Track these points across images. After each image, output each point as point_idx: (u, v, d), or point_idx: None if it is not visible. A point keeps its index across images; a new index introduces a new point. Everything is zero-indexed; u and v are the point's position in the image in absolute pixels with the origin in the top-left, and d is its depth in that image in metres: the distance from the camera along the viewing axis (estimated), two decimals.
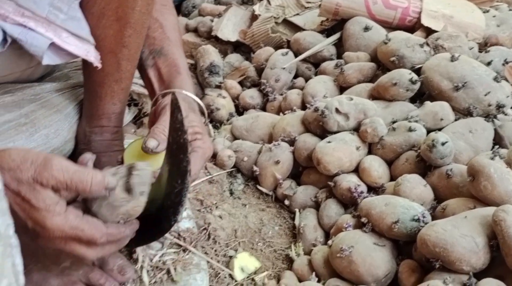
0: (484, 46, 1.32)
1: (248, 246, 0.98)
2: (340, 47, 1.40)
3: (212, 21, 1.66)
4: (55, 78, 0.95)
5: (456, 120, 1.06)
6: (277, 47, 1.49)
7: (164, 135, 0.71)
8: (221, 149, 1.17)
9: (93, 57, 0.75)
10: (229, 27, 1.59)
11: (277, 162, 1.09)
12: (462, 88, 1.06)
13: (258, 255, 0.96)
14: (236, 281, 0.88)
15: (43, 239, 0.58)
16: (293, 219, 1.06)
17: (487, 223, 0.77)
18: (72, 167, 0.57)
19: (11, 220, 0.33)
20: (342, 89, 1.27)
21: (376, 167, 1.00)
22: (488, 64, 1.18)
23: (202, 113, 0.84)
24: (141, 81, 1.03)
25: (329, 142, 1.03)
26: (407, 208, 0.85)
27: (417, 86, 1.09)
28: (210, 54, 1.45)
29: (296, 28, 1.53)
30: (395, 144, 1.02)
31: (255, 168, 1.12)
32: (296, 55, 1.40)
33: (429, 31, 1.30)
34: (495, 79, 1.07)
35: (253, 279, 0.90)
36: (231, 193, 1.12)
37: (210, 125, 1.33)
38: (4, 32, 0.69)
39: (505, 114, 1.07)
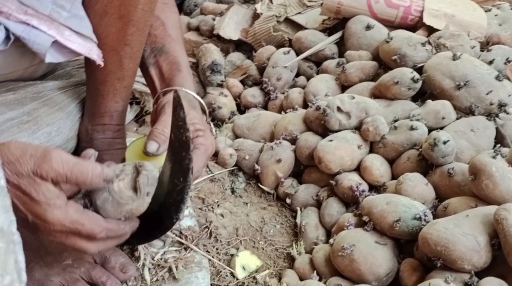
0: (486, 45, 1.32)
1: (250, 245, 0.98)
2: (342, 45, 1.40)
3: (214, 19, 1.66)
4: (57, 76, 0.95)
5: (457, 119, 1.06)
6: (279, 45, 1.49)
7: (164, 136, 0.71)
8: (222, 148, 1.17)
9: (96, 55, 0.75)
10: (231, 25, 1.60)
11: (279, 161, 1.09)
12: (464, 87, 1.06)
13: (259, 253, 0.96)
14: (237, 279, 0.89)
15: (43, 232, 0.58)
16: (294, 217, 1.06)
17: (489, 222, 0.77)
18: (72, 159, 0.57)
19: (14, 216, 0.33)
20: (343, 87, 1.27)
21: (378, 166, 1.00)
22: (490, 63, 1.18)
23: (204, 112, 0.84)
24: (143, 80, 1.04)
25: (330, 140, 1.03)
26: (408, 207, 0.85)
27: (418, 85, 1.09)
28: (212, 52, 1.45)
29: (298, 26, 1.53)
30: (397, 143, 1.01)
31: (256, 166, 1.12)
32: (297, 54, 1.40)
33: (431, 30, 1.30)
34: (497, 78, 1.07)
35: (254, 278, 0.90)
36: (233, 192, 1.12)
37: (211, 124, 1.33)
38: (7, 30, 0.69)
39: (507, 113, 1.07)
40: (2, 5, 0.68)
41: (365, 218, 0.89)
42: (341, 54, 1.38)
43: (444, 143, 0.91)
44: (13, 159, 0.55)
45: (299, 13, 1.55)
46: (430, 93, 1.13)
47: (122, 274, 0.74)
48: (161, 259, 0.81)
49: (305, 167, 1.12)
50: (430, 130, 1.01)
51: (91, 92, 0.84)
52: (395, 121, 1.07)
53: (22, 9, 0.69)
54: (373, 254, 0.84)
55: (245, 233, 1.00)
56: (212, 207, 1.02)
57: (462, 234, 0.75)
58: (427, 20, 1.31)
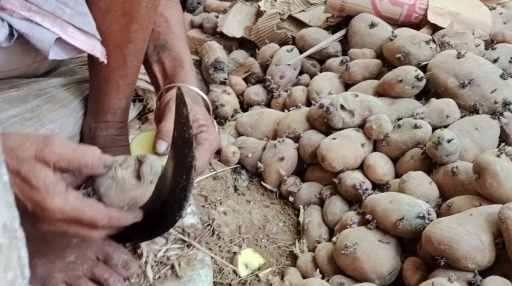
0: (490, 43, 1.31)
1: (252, 243, 0.98)
2: (346, 43, 1.40)
3: (217, 17, 1.66)
4: (60, 73, 0.95)
5: (462, 117, 1.05)
6: (282, 43, 1.49)
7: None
8: (225, 146, 1.17)
9: (99, 52, 0.75)
10: (234, 23, 1.59)
11: (282, 159, 1.09)
12: (468, 85, 1.05)
13: (262, 251, 0.96)
14: (240, 277, 0.88)
15: (44, 222, 0.57)
16: (297, 215, 1.06)
17: (493, 220, 0.76)
18: (72, 144, 0.57)
19: (17, 212, 0.33)
20: (347, 86, 1.27)
21: (381, 164, 1.00)
22: (495, 61, 1.17)
23: (208, 109, 0.84)
24: (146, 77, 1.04)
25: (334, 139, 1.03)
26: (412, 206, 0.85)
27: (422, 83, 1.09)
28: (215, 50, 1.45)
29: (301, 24, 1.53)
30: (400, 141, 1.01)
31: (259, 164, 1.12)
32: (301, 52, 1.40)
33: (435, 28, 1.29)
34: (502, 76, 1.06)
35: (257, 275, 0.89)
36: (236, 190, 1.12)
37: (214, 122, 1.33)
38: (11, 27, 0.69)
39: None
40: (6, 2, 0.68)
41: (368, 216, 0.89)
42: (344, 52, 1.38)
43: (448, 141, 0.91)
44: (15, 145, 0.55)
45: (303, 10, 1.55)
46: (434, 92, 1.13)
47: (124, 271, 0.74)
48: (163, 256, 0.81)
49: (308, 165, 1.12)
50: (434, 128, 1.01)
51: (94, 89, 0.84)
52: (399, 119, 1.06)
53: (26, 6, 0.69)
54: (376, 253, 0.84)
55: (247, 231, 1.00)
56: (214, 205, 1.02)
57: (466, 233, 0.75)
58: (432, 18, 1.31)
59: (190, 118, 0.59)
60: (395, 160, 1.03)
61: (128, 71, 0.81)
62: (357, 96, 1.07)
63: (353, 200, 1.00)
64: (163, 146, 0.72)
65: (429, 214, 0.83)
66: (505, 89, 1.05)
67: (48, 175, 0.55)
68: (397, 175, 1.01)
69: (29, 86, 0.84)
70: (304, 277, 0.91)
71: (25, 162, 0.55)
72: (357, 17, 1.36)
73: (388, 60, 1.24)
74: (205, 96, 0.82)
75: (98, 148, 0.59)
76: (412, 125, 1.01)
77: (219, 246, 0.92)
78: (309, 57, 1.40)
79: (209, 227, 0.94)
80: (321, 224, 1.00)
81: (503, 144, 0.95)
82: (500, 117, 1.04)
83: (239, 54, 1.53)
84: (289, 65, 1.36)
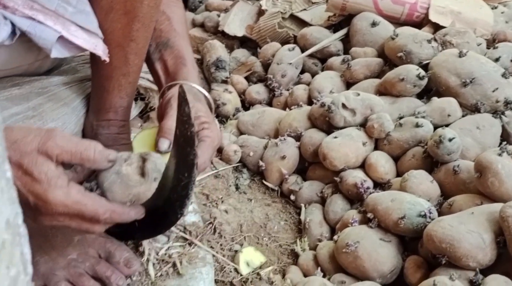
0: (492, 42, 1.31)
1: (254, 241, 0.98)
2: (347, 42, 1.40)
3: (219, 16, 1.66)
4: (62, 71, 0.95)
5: (463, 116, 1.05)
6: (284, 42, 1.49)
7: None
8: (227, 144, 1.17)
9: (101, 50, 0.75)
10: (236, 22, 1.59)
11: (283, 157, 1.09)
12: (469, 84, 1.05)
13: (263, 249, 0.96)
14: (241, 275, 0.89)
15: (46, 216, 0.57)
16: (298, 214, 1.06)
17: (494, 219, 0.76)
18: (74, 138, 0.58)
19: (20, 209, 0.33)
20: (348, 84, 1.27)
21: (383, 163, 1.00)
22: (496, 60, 1.17)
23: (210, 106, 0.84)
24: (148, 76, 1.04)
25: (335, 137, 1.03)
26: (413, 204, 0.85)
27: (424, 82, 1.09)
28: (217, 49, 1.45)
29: (303, 23, 1.53)
30: (402, 140, 1.01)
31: (261, 163, 1.12)
32: (302, 51, 1.40)
33: (437, 27, 1.29)
34: (503, 75, 1.06)
35: (258, 274, 0.90)
36: (237, 188, 1.12)
37: (216, 120, 1.33)
38: (13, 25, 0.69)
39: None
40: (9, 0, 0.68)
41: (369, 215, 0.89)
42: (346, 51, 1.38)
43: (450, 140, 0.91)
44: (17, 138, 0.55)
45: (304, 9, 1.55)
46: (435, 90, 1.13)
47: (126, 269, 0.74)
48: (165, 254, 0.81)
49: (310, 164, 1.12)
50: (436, 127, 1.01)
51: (96, 88, 0.84)
52: (400, 118, 1.07)
53: (28, 4, 0.69)
54: (377, 251, 0.84)
55: (249, 229, 1.00)
56: (216, 203, 1.02)
57: (467, 231, 0.75)
58: (433, 17, 1.30)
59: (192, 115, 0.59)
60: (396, 158, 1.03)
61: (130, 69, 0.81)
62: (359, 95, 1.07)
63: (355, 198, 1.00)
64: (165, 144, 0.72)
65: (430, 213, 0.83)
66: (506, 88, 1.05)
67: (51, 168, 0.55)
68: (399, 174, 1.01)
69: (31, 84, 0.84)
70: (305, 275, 0.91)
71: (28, 155, 0.54)
72: (358, 16, 1.36)
73: (389, 59, 1.24)
74: (207, 94, 0.82)
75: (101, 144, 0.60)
76: (413, 124, 1.01)
77: (221, 244, 0.92)
78: (311, 56, 1.40)
79: (211, 225, 0.94)
80: (322, 222, 1.00)
81: (504, 143, 0.95)
82: (502, 116, 1.04)
83: (241, 53, 1.53)
84: (290, 64, 1.36)
